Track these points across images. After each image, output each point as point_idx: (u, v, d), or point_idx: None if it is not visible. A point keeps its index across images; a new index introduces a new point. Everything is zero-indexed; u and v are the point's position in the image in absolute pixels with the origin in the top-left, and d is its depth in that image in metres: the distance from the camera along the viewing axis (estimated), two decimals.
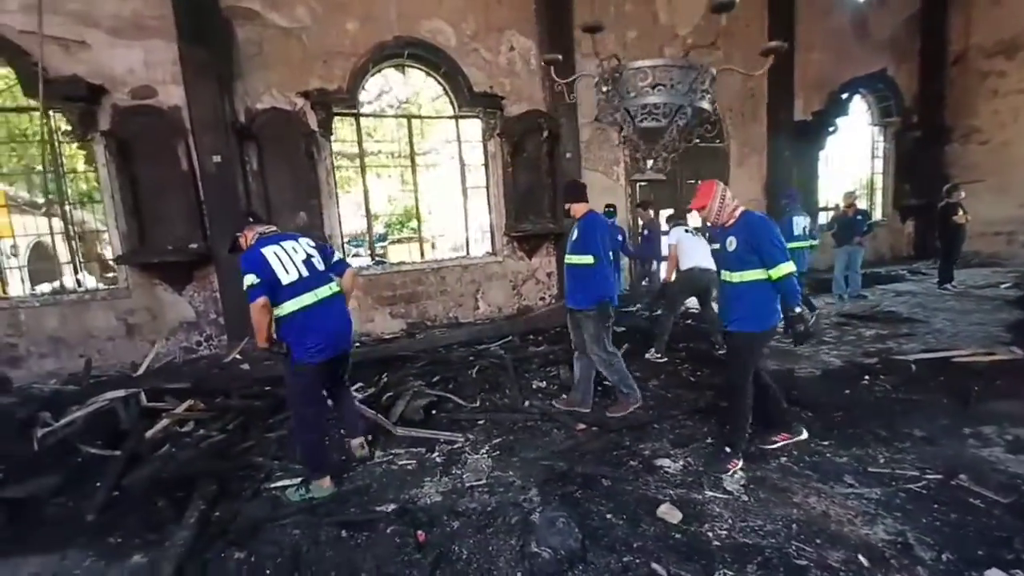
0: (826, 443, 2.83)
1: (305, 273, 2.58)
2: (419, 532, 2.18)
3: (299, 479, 2.72)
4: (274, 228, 2.81)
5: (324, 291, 2.66)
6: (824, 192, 10.18)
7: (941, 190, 9.49)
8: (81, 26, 5.43)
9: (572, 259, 3.42)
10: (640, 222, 6.64)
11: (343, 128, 7.54)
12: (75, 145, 5.78)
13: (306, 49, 6.29)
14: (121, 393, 3.79)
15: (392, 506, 2.48)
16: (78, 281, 5.88)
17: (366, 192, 6.98)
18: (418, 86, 7.29)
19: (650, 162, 2.82)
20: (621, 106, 2.64)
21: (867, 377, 3.72)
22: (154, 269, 5.89)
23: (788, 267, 2.49)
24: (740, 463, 2.61)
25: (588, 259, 3.29)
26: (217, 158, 5.81)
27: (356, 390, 4.02)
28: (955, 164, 10.44)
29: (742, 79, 9.01)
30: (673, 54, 8.42)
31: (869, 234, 7.24)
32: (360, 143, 6.91)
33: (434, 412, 3.68)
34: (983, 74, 9.66)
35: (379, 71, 6.86)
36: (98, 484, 2.91)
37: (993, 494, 2.24)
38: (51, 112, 5.55)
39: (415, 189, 7.22)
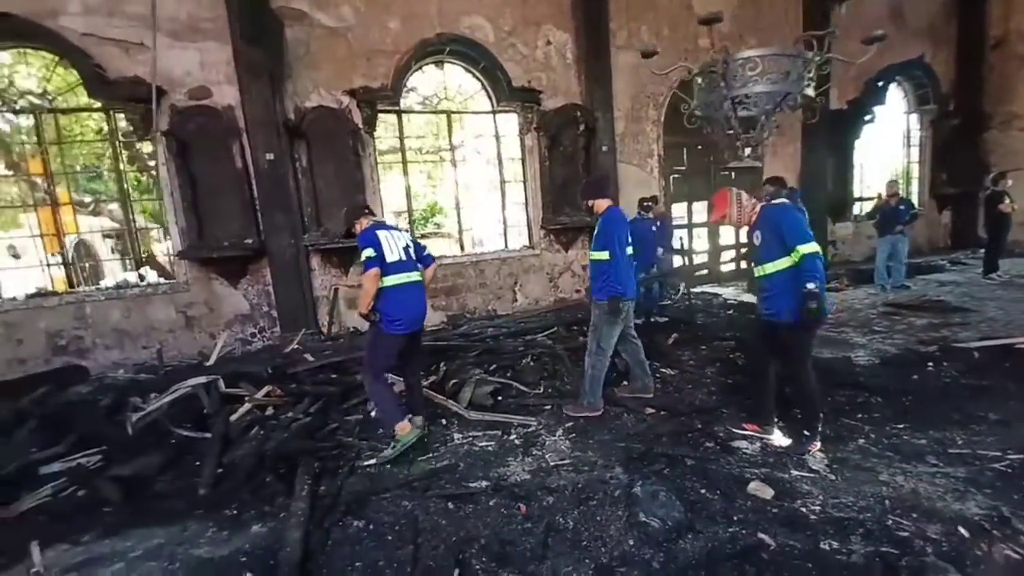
0: (901, 426, 2.89)
1: (403, 257, 3.03)
2: (520, 505, 2.31)
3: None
4: (383, 219, 3.05)
5: (414, 276, 3.11)
6: (860, 182, 10.07)
7: (983, 178, 9.39)
8: (142, 28, 5.64)
9: (592, 255, 3.46)
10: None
11: (382, 125, 7.68)
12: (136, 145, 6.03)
13: (351, 48, 6.44)
14: (202, 380, 3.98)
15: (484, 483, 2.61)
16: (140, 276, 6.12)
17: (408, 188, 7.13)
18: (454, 82, 7.37)
19: (748, 149, 2.87)
20: (728, 95, 2.68)
21: (930, 364, 3.75)
22: (211, 264, 6.12)
23: (808, 247, 2.54)
24: (819, 444, 2.68)
25: (604, 255, 3.31)
26: (270, 156, 6.00)
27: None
28: (994, 152, 10.23)
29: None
30: (705, 45, 8.41)
31: (912, 223, 7.16)
32: (402, 139, 7.05)
33: (500, 398, 3.80)
34: (1022, 59, 9.45)
35: (420, 68, 6.98)
36: (198, 463, 3.11)
37: None
38: (111, 112, 5.82)
39: (456, 185, 7.35)
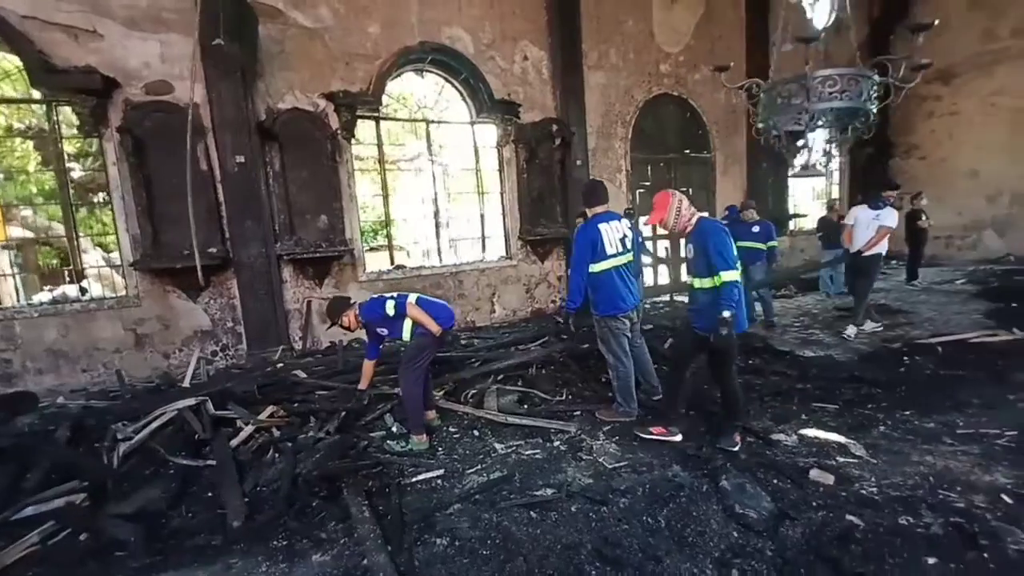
0: (908, 413, 3.20)
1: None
2: None
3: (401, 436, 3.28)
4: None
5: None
6: (794, 200, 11.14)
7: (906, 198, 10.86)
8: (93, 15, 5.07)
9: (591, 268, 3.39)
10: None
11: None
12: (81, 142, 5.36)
13: (328, 50, 6.19)
14: (191, 402, 3.55)
15: (550, 490, 2.54)
16: (82, 289, 5.39)
17: (386, 196, 6.90)
18: (434, 92, 7.29)
19: (815, 159, 3.07)
20: (811, 109, 2.86)
21: (906, 358, 4.19)
22: (167, 275, 5.53)
23: (730, 275, 2.61)
24: (738, 437, 2.85)
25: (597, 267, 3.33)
26: (240, 158, 5.58)
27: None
28: (898, 176, 11.71)
29: (725, 95, 9.77)
30: (667, 71, 9.02)
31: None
32: (380, 146, 6.84)
33: (526, 406, 3.74)
34: (921, 97, 10.99)
35: (399, 75, 6.84)
36: (210, 493, 2.77)
37: None
38: (53, 105, 5.15)
39: (435, 194, 7.21)
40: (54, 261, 10.76)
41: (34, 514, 2.58)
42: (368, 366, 3.46)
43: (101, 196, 9.68)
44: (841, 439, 2.86)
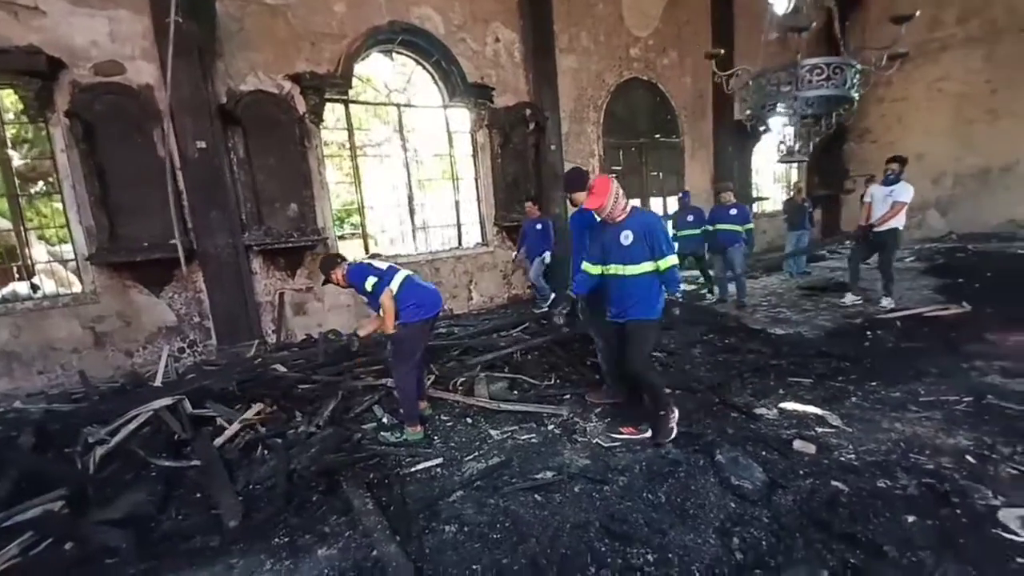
0: (875, 383, 3.41)
1: (391, 264, 3.31)
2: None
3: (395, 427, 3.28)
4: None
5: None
6: (757, 183, 11.52)
7: (845, 182, 11.44)
8: None
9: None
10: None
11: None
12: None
13: (292, 29, 5.91)
14: (167, 402, 3.40)
15: (550, 473, 2.59)
16: (34, 286, 5.03)
17: (358, 182, 6.71)
18: (403, 75, 7.09)
19: (798, 144, 3.16)
20: (799, 95, 2.93)
21: (869, 333, 4.46)
22: (126, 269, 5.24)
23: (674, 258, 2.77)
24: (675, 415, 2.85)
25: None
26: (201, 144, 5.30)
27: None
28: (852, 160, 12.31)
29: (692, 81, 9.94)
30: (636, 55, 9.07)
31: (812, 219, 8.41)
32: (351, 131, 6.62)
33: (515, 392, 3.78)
34: (873, 84, 11.51)
35: (367, 57, 6.60)
36: (199, 494, 2.68)
37: (1017, 406, 2.91)
38: None
39: (408, 180, 7.06)
40: None
41: (14, 523, 2.44)
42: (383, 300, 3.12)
43: (41, 185, 9.03)
44: (818, 411, 3.03)
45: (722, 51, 3.99)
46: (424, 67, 7.00)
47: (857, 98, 3.53)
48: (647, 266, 2.76)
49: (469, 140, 7.48)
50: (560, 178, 8.00)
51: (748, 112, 3.78)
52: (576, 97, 8.30)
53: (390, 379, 3.76)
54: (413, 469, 2.73)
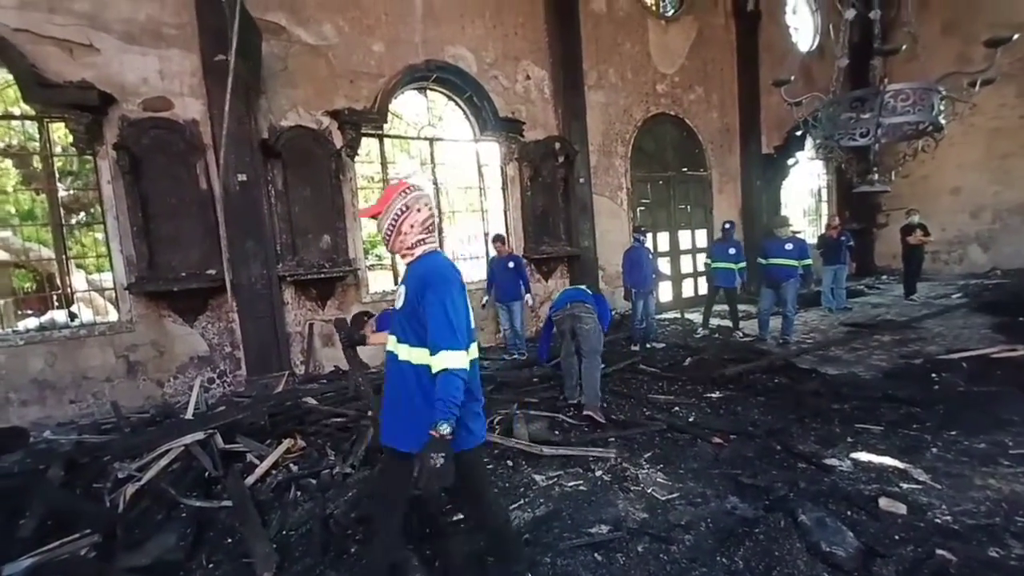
0: (954, 433, 3.13)
1: None
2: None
3: None
4: None
5: None
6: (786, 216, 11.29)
7: (877, 216, 11.24)
8: (89, 29, 4.88)
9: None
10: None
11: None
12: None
13: (332, 68, 6.09)
14: (199, 436, 3.30)
15: (604, 527, 2.38)
16: (72, 314, 5.07)
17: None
18: (434, 110, 7.24)
19: (876, 176, 3.04)
20: (882, 123, 2.83)
21: (933, 374, 4.16)
22: (162, 299, 5.26)
23: (452, 358, 1.54)
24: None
25: None
26: (243, 176, 5.38)
27: None
28: (887, 193, 12.03)
29: (719, 115, 9.95)
30: (663, 90, 9.13)
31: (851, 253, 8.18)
32: (384, 164, 6.71)
33: (557, 432, 3.58)
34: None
35: (402, 93, 6.76)
36: (229, 539, 2.52)
37: None
38: (44, 122, 4.92)
39: (438, 213, 7.07)
40: (28, 284, 10.27)
41: (37, 563, 2.31)
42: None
43: (83, 215, 9.31)
44: (897, 463, 2.77)
45: (792, 78, 3.92)
46: (457, 103, 7.13)
47: (945, 124, 3.38)
48: (417, 355, 1.66)
49: (499, 173, 7.51)
50: (588, 211, 7.97)
51: (818, 141, 3.67)
52: (604, 131, 8.34)
53: None
54: (457, 518, 2.53)
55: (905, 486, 2.55)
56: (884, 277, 11.44)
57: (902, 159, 3.40)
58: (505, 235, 6.80)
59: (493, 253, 6.56)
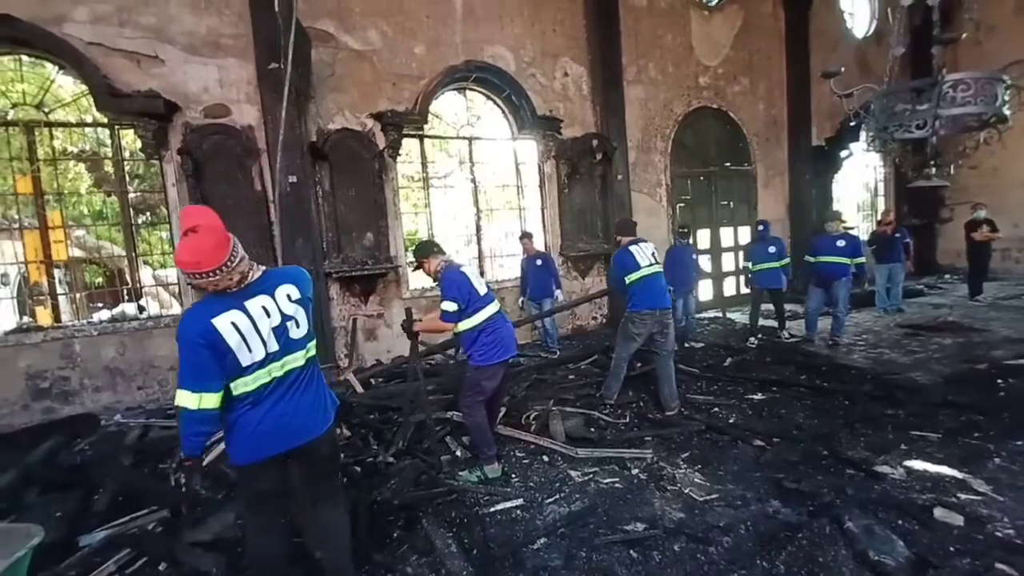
0: (1020, 442, 2.93)
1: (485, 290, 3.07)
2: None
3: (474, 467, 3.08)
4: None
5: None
6: (839, 211, 10.76)
7: (940, 211, 10.56)
8: (155, 41, 5.25)
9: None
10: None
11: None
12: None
13: (376, 72, 6.28)
14: None
15: (640, 524, 2.38)
16: (140, 307, 5.48)
17: (430, 214, 6.91)
18: (471, 109, 7.33)
19: (933, 169, 2.92)
20: (940, 114, 2.72)
21: (999, 380, 3.90)
22: None
23: (182, 398, 1.60)
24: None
25: None
26: (293, 178, 5.63)
27: None
28: (948, 187, 11.26)
29: (765, 107, 9.59)
30: (706, 83, 8.89)
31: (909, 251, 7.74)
32: (424, 163, 6.87)
33: (592, 429, 3.59)
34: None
35: (442, 94, 6.89)
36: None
37: None
38: (116, 129, 5.32)
39: (477, 210, 7.18)
40: (99, 280, 11.14)
41: (108, 536, 2.54)
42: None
43: (148, 216, 10.00)
44: (956, 473, 2.63)
45: (843, 69, 3.76)
46: (495, 102, 7.20)
47: (1010, 115, 3.17)
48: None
49: (536, 171, 7.53)
50: (627, 208, 7.87)
51: (871, 133, 3.51)
52: (643, 127, 8.21)
53: (457, 412, 3.68)
54: (493, 509, 2.60)
55: (963, 496, 2.42)
56: (947, 276, 10.72)
57: (963, 151, 3.18)
58: (531, 232, 6.81)
59: (521, 250, 6.63)
